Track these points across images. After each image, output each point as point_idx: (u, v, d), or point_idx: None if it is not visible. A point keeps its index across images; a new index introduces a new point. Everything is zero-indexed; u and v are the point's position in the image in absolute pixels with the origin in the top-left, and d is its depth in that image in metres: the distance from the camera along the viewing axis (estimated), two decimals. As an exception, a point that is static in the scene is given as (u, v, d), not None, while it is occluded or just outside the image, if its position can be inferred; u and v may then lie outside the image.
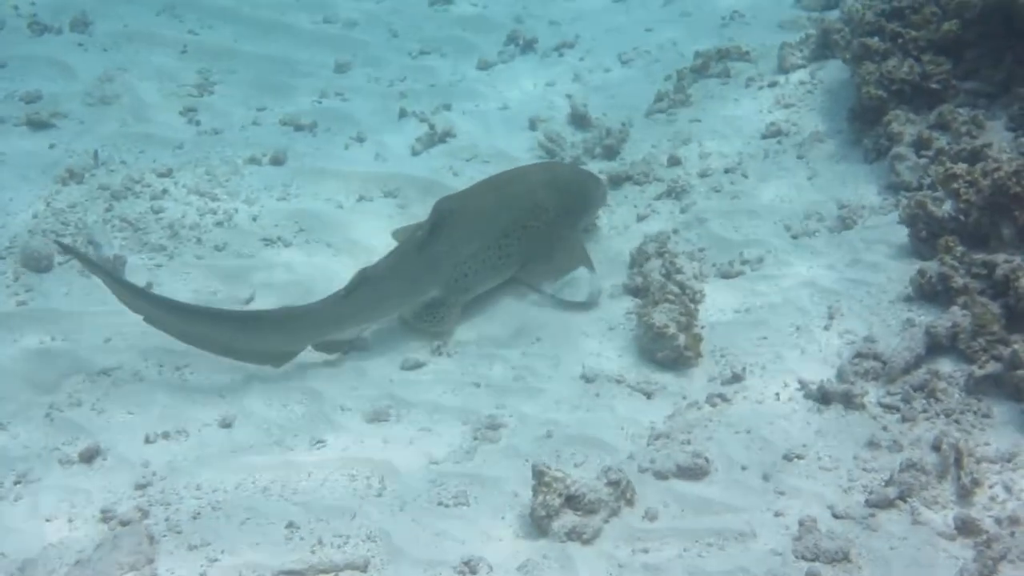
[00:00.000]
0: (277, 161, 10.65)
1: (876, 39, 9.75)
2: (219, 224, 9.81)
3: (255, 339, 8.13)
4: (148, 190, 10.14)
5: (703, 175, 9.89)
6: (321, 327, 8.23)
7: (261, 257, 9.46)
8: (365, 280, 8.24)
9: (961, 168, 8.06)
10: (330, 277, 9.00)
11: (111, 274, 8.13)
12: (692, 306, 8.10)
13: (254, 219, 9.89)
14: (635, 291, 8.50)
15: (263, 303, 8.84)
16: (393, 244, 9.03)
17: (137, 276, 8.98)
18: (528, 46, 12.75)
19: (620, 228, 9.49)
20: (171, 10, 13.59)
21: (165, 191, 10.14)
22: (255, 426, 7.57)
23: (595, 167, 10.23)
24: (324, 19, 13.51)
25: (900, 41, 9.67)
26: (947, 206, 8.10)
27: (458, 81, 12.26)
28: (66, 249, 8.72)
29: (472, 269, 8.69)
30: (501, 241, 8.83)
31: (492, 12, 13.60)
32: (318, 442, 7.31)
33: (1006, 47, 9.32)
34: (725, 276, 8.64)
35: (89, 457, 7.24)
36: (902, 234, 8.33)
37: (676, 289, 8.20)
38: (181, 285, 9.06)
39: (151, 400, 7.81)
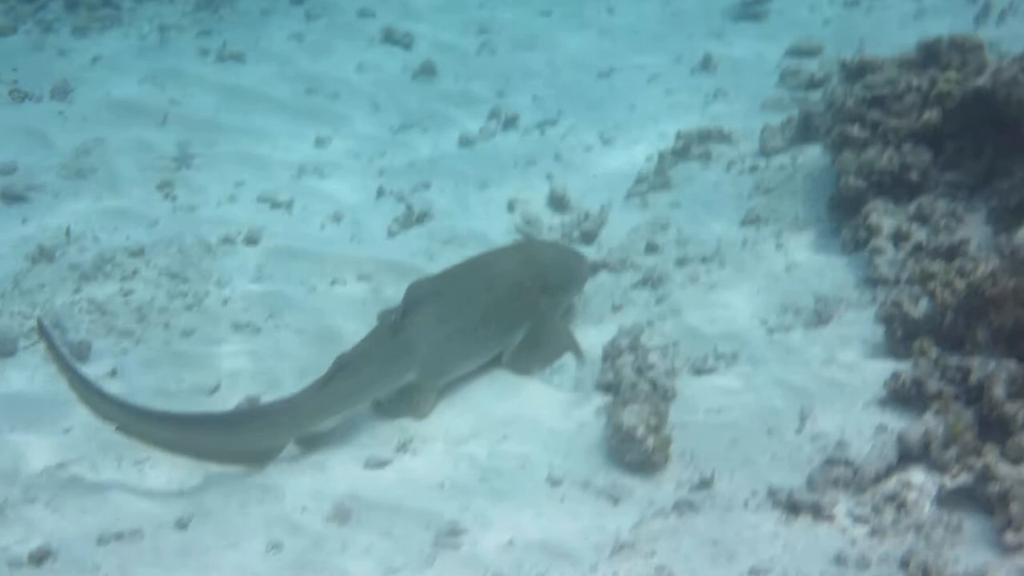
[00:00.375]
0: (251, 240, 10.52)
1: (856, 127, 9.65)
2: (188, 308, 9.65)
3: (242, 439, 7.91)
4: (118, 270, 10.01)
5: (681, 263, 9.73)
6: (303, 419, 7.96)
7: (230, 343, 9.27)
8: (342, 367, 7.98)
9: (937, 267, 7.97)
10: (300, 366, 8.84)
11: (85, 382, 7.76)
12: (663, 405, 7.90)
13: (224, 303, 9.74)
14: (607, 387, 8.31)
15: (229, 393, 8.66)
16: (367, 328, 8.81)
17: (102, 362, 8.89)
18: (510, 122, 12.65)
19: (595, 319, 9.30)
20: (154, 79, 13.55)
21: (136, 272, 10.02)
22: (213, 526, 7.35)
23: (576, 254, 10.06)
24: (307, 90, 13.41)
25: (880, 130, 9.56)
26: (923, 306, 7.95)
27: (438, 158, 12.13)
28: (44, 337, 8.04)
29: (449, 352, 8.44)
30: (479, 323, 8.59)
31: (475, 86, 13.51)
32: (274, 547, 7.10)
33: (986, 138, 9.21)
34: (699, 372, 8.46)
35: (39, 559, 7.02)
36: (879, 332, 8.18)
37: (647, 387, 8.05)
38: (146, 373, 8.89)
39: (107, 498, 7.58)
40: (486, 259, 9.19)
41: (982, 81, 9.08)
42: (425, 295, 8.47)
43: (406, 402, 8.32)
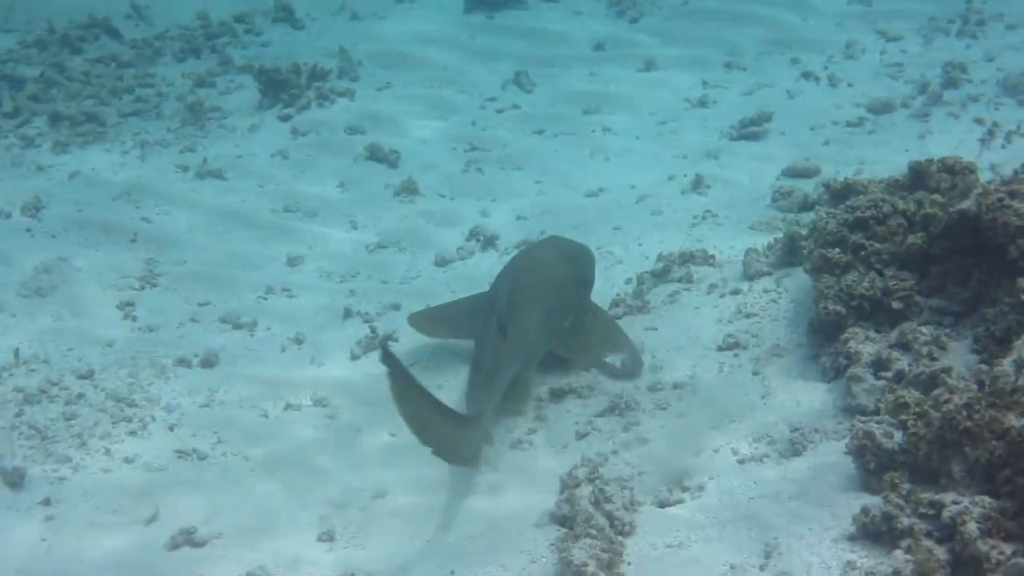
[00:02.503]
0: (208, 363, 10.15)
1: (837, 251, 9.20)
2: (132, 434, 9.24)
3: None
4: (64, 393, 9.63)
5: (653, 389, 9.26)
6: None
7: (171, 472, 8.85)
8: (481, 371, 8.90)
9: (912, 397, 7.49)
10: (242, 501, 8.49)
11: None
12: (619, 540, 7.44)
13: (171, 428, 9.33)
14: (562, 520, 7.80)
15: (167, 526, 8.24)
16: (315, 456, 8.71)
17: (36, 490, 8.51)
18: (489, 242, 12.26)
19: (558, 447, 8.84)
20: (128, 195, 13.28)
21: (81, 395, 9.62)
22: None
23: (544, 379, 9.64)
24: (285, 208, 13.09)
25: (863, 253, 9.12)
26: (898, 438, 7.46)
27: (412, 278, 11.78)
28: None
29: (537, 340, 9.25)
30: (546, 317, 9.31)
31: (458, 205, 13.16)
32: None
33: (973, 264, 8.76)
34: (662, 505, 7.95)
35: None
36: (853, 464, 7.68)
37: (603, 520, 7.53)
38: (82, 503, 8.47)
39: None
40: (532, 256, 9.99)
41: (967, 204, 8.64)
42: (515, 295, 9.15)
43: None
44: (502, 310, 8.89)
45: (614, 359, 9.48)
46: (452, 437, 7.98)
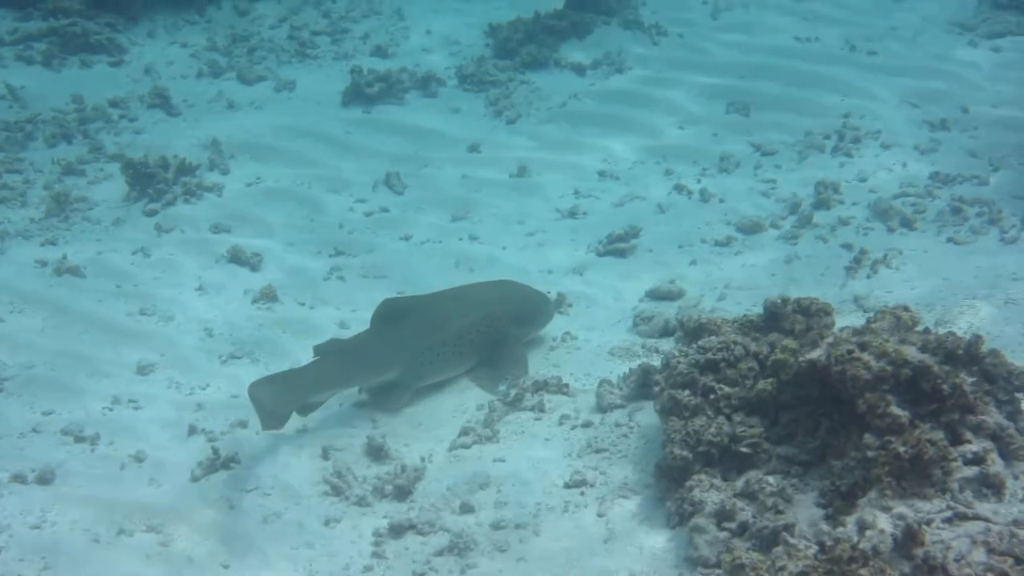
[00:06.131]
0: (44, 480, 9.84)
1: (687, 392, 9.08)
2: (-46, 559, 8.84)
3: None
4: None
5: (496, 527, 9.07)
6: (301, 391, 10.24)
7: (-9, 601, 8.47)
8: (335, 351, 10.69)
9: (748, 559, 7.36)
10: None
11: None
12: None
13: (-3, 552, 8.93)
14: None
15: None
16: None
17: None
18: (343, 356, 11.88)
19: (391, 585, 8.58)
20: (-18, 291, 12.81)
21: (-95, 515, 9.21)
22: None
23: (382, 508, 9.48)
24: (141, 311, 12.78)
25: (712, 397, 9.00)
26: (736, 600, 7.33)
27: (264, 395, 11.36)
28: None
29: (428, 359, 10.89)
30: (456, 340, 11.04)
31: (317, 315, 12.91)
32: None
33: (822, 413, 8.67)
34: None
35: None
36: (690, 622, 7.55)
37: None
38: None
39: None
40: (469, 290, 11.85)
41: (817, 354, 8.55)
42: (411, 309, 11.01)
43: (385, 395, 10.82)
44: (382, 316, 10.93)
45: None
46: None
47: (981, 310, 10.82)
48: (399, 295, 11.37)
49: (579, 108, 18.02)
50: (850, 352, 8.33)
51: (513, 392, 10.70)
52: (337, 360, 10.56)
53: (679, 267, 13.41)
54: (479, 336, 11.18)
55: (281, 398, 9.97)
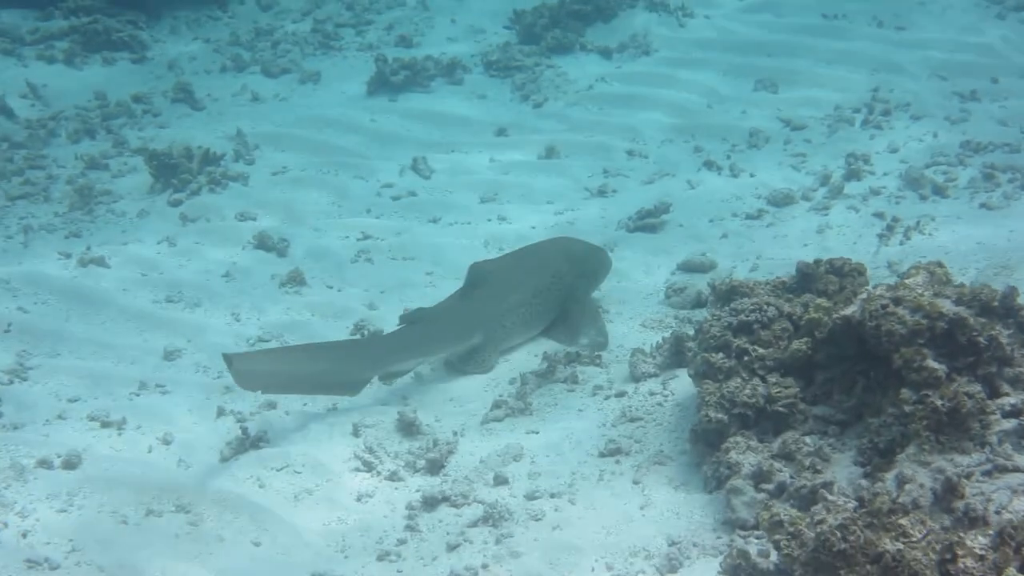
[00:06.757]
0: (70, 465, 9.65)
1: (720, 355, 8.90)
2: (-17, 541, 8.70)
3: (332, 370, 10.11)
4: (-85, 499, 9.11)
5: (530, 497, 8.91)
6: (384, 358, 10.42)
7: (20, 584, 8.31)
8: (421, 318, 10.85)
9: (787, 515, 7.14)
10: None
11: None
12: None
13: (24, 535, 8.82)
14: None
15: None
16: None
17: None
18: (374, 337, 11.78)
19: (427, 559, 8.44)
20: (7, 284, 12.75)
21: (-67, 500, 9.09)
22: None
23: (414, 483, 9.35)
24: (167, 299, 12.68)
25: (746, 359, 8.82)
26: (774, 557, 7.15)
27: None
28: None
29: (509, 321, 11.12)
30: (532, 300, 11.27)
31: (345, 298, 12.77)
32: None
33: (858, 371, 8.49)
34: (529, 625, 7.58)
35: None
36: (728, 583, 7.36)
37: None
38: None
39: None
40: (532, 251, 11.98)
41: (851, 311, 8.37)
42: (487, 273, 11.22)
43: (473, 360, 10.97)
44: (473, 281, 11.24)
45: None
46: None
47: (1016, 271, 10.63)
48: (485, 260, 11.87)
49: (606, 90, 17.90)
50: (884, 307, 8.15)
51: (577, 356, 10.97)
52: (422, 329, 10.72)
53: (710, 241, 13.25)
54: (551, 294, 11.35)
55: (360, 365, 10.22)
